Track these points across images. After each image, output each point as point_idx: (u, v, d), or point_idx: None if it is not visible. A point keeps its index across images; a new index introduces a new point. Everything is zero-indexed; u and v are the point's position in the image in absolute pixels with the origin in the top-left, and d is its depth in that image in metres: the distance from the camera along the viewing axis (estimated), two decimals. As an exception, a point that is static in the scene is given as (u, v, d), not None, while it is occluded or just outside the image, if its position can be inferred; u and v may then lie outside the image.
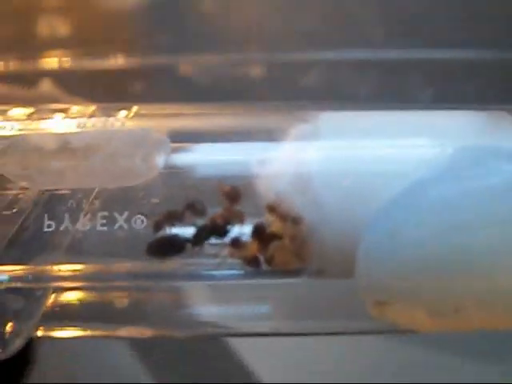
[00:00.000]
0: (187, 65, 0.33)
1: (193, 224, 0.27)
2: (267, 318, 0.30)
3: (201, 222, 0.27)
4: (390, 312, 0.26)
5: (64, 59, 0.35)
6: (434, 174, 0.26)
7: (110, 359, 0.42)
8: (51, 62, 0.35)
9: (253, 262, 0.27)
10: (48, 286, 0.30)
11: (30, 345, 0.38)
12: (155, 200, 0.28)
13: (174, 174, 0.28)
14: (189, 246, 0.27)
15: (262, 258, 0.27)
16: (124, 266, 0.29)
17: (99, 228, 0.28)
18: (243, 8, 0.34)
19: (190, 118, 0.31)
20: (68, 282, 0.29)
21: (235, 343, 0.42)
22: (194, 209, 0.27)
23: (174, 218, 0.27)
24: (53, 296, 0.30)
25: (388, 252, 0.25)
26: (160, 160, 0.28)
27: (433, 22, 0.32)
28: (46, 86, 0.35)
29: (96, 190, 0.28)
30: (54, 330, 0.31)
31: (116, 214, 0.28)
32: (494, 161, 0.25)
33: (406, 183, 0.26)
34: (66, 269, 0.29)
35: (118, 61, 0.35)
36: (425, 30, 0.32)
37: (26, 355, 0.39)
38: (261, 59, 0.33)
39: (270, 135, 0.28)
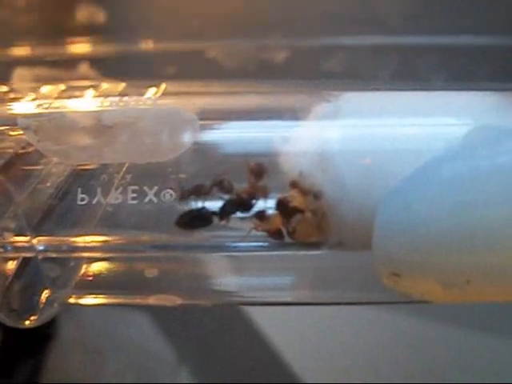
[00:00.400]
0: (215, 49, 0.34)
1: (219, 198, 0.28)
2: (288, 288, 0.32)
3: (227, 196, 0.28)
4: (404, 283, 0.27)
5: (98, 44, 0.36)
6: (448, 152, 0.26)
7: (132, 333, 0.42)
8: (86, 46, 0.36)
9: (276, 234, 0.28)
10: (81, 257, 0.31)
11: (51, 319, 0.39)
12: (183, 175, 0.29)
13: (201, 150, 0.29)
14: (216, 219, 0.29)
15: (285, 231, 0.28)
16: (153, 237, 0.30)
17: (130, 201, 0.29)
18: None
19: (217, 96, 0.32)
20: (100, 252, 0.30)
21: (254, 314, 0.43)
22: (221, 186, 0.28)
23: (201, 192, 0.28)
24: (85, 266, 0.31)
25: (403, 226, 0.26)
26: (188, 137, 0.29)
27: (448, 8, 0.33)
28: (83, 68, 0.36)
29: (127, 165, 0.29)
30: (85, 298, 0.32)
31: (146, 188, 0.29)
32: (506, 141, 0.26)
33: (422, 161, 0.26)
34: (98, 240, 0.30)
35: (148, 45, 0.35)
36: (440, 17, 0.33)
37: (46, 328, 0.40)
38: (285, 44, 0.34)
39: (294, 114, 0.29)
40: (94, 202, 0.29)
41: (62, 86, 0.34)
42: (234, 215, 0.28)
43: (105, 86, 0.34)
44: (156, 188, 0.29)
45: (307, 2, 0.34)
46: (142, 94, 0.33)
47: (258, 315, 0.43)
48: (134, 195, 0.29)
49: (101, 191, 0.29)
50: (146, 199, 0.29)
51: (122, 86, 0.34)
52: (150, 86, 0.33)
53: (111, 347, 0.42)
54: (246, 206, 0.28)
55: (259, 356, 0.42)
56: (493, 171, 0.25)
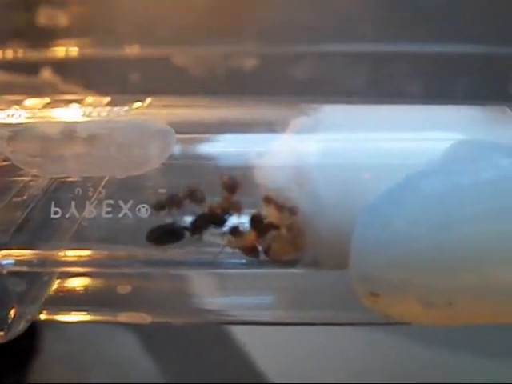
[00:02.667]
0: (182, 56, 0.34)
1: (192, 212, 0.28)
2: (265, 307, 0.31)
3: (200, 210, 0.28)
4: (383, 303, 0.26)
5: (65, 48, 0.35)
6: (429, 167, 0.26)
7: (117, 348, 0.42)
8: (53, 51, 0.36)
9: (251, 251, 0.28)
10: (53, 272, 0.30)
11: (36, 333, 0.38)
12: (159, 189, 0.28)
13: (176, 164, 0.29)
14: (187, 234, 0.28)
15: (260, 248, 0.28)
16: (127, 253, 0.29)
17: (104, 216, 0.28)
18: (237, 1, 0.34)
19: (193, 109, 0.31)
20: (72, 267, 0.30)
21: (237, 328, 0.42)
22: (193, 196, 0.28)
23: (174, 201, 0.28)
24: (57, 281, 0.31)
25: (381, 243, 0.25)
26: (164, 150, 0.28)
27: (424, 16, 0.32)
28: (46, 74, 0.35)
29: (102, 178, 0.29)
30: (57, 315, 0.31)
31: (121, 203, 0.28)
32: (488, 156, 0.25)
33: (401, 176, 0.26)
34: (70, 255, 0.29)
35: (116, 51, 0.35)
36: (416, 24, 0.32)
37: (31, 344, 0.40)
38: (254, 51, 0.33)
39: (270, 127, 0.29)
40: (68, 215, 0.29)
41: (47, 99, 0.34)
42: (206, 230, 0.28)
43: (89, 99, 0.34)
44: (131, 202, 0.28)
45: (277, 9, 0.33)
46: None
47: (241, 329, 0.43)
48: (109, 209, 0.28)
49: (75, 205, 0.29)
50: (121, 214, 0.28)
51: (106, 100, 0.34)
52: (136, 101, 0.33)
53: (96, 362, 0.41)
54: (218, 220, 0.28)
55: (242, 371, 0.42)
56: (475, 187, 0.25)
